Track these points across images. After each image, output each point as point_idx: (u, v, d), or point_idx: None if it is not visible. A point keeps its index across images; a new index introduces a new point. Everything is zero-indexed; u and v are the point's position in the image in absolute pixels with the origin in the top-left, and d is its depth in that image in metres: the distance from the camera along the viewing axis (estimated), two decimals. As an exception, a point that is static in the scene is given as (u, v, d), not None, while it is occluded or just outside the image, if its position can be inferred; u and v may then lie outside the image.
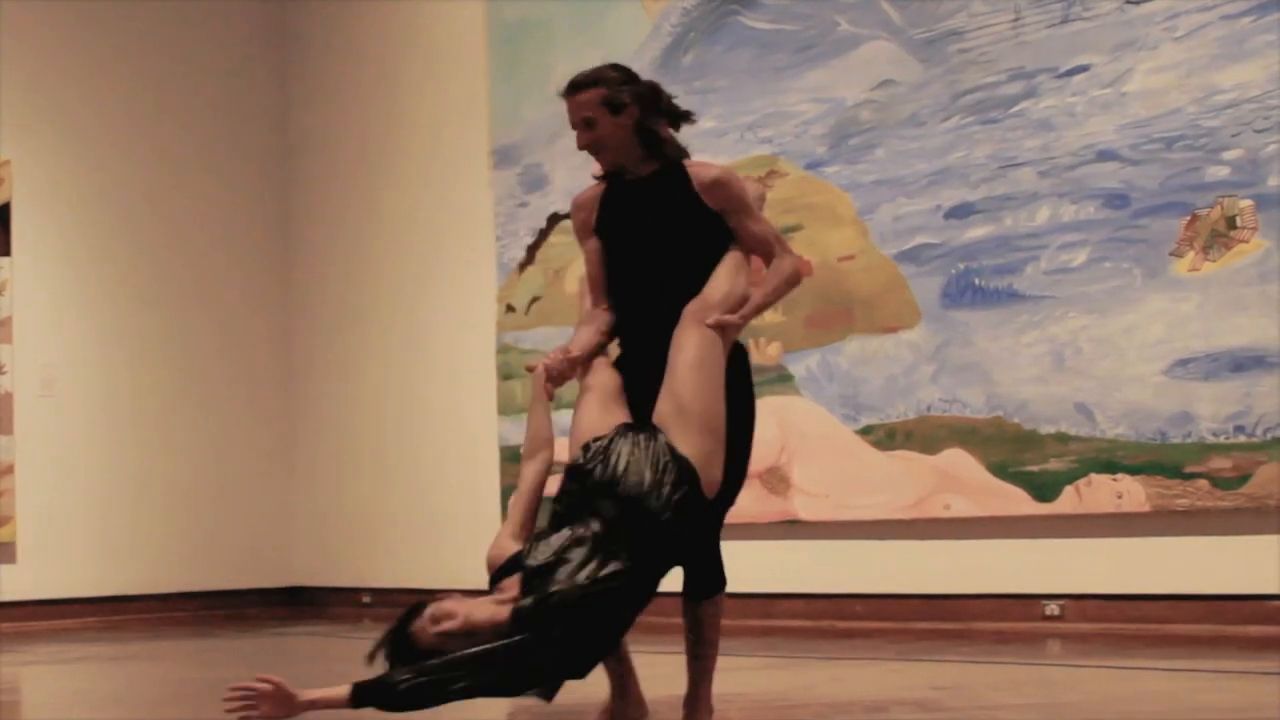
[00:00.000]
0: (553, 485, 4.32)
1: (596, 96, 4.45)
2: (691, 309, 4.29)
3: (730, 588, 4.79)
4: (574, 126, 4.50)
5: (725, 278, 4.36)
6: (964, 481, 7.64)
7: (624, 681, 4.55)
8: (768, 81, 8.40)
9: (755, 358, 8.34)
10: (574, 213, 4.68)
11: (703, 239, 4.45)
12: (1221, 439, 6.85)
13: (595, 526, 4.02)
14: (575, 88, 4.48)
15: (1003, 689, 5.49)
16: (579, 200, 4.68)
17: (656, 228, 4.51)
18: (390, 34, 10.66)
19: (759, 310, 4.38)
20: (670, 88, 8.80)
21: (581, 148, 4.52)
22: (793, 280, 4.48)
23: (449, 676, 3.91)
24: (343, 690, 4.01)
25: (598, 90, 4.46)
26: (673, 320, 4.34)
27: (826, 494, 8.05)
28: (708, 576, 4.48)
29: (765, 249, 4.48)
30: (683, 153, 4.57)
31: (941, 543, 7.74)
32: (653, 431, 4.13)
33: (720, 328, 4.26)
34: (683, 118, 4.59)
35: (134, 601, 10.36)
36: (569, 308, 9.29)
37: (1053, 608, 7.39)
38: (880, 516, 7.86)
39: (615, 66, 4.59)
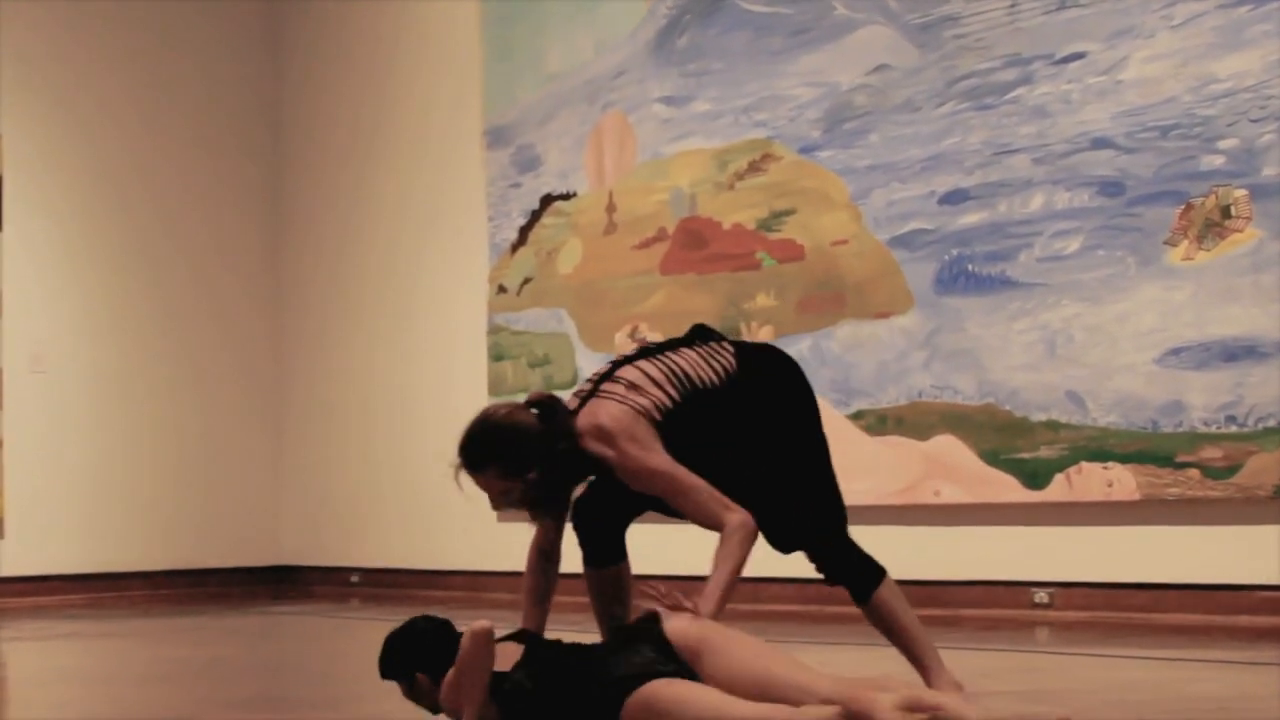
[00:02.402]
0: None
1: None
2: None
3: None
4: None
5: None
6: (954, 468, 7.63)
7: None
8: (762, 65, 8.38)
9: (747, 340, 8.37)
10: None
11: None
12: (1213, 428, 6.85)
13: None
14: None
15: (991, 676, 5.48)
16: None
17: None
18: (384, 12, 10.63)
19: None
20: (664, 70, 8.93)
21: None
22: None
23: None
24: None
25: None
26: None
27: (816, 479, 8.03)
28: (857, 579, 4.47)
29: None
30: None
31: (931, 529, 7.74)
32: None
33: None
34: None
35: (121, 579, 10.34)
36: (561, 289, 9.28)
37: (1042, 595, 7.39)
38: (870, 502, 7.84)
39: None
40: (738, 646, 3.81)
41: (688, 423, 4.26)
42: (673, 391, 4.28)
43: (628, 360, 4.40)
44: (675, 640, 3.83)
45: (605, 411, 4.22)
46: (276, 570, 10.98)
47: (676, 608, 3.94)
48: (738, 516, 4.13)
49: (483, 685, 3.91)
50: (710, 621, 3.90)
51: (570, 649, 4.00)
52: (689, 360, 4.36)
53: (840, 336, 8.03)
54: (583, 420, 4.24)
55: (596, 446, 4.20)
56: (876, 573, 4.48)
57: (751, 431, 4.36)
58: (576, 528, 4.51)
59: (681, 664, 3.80)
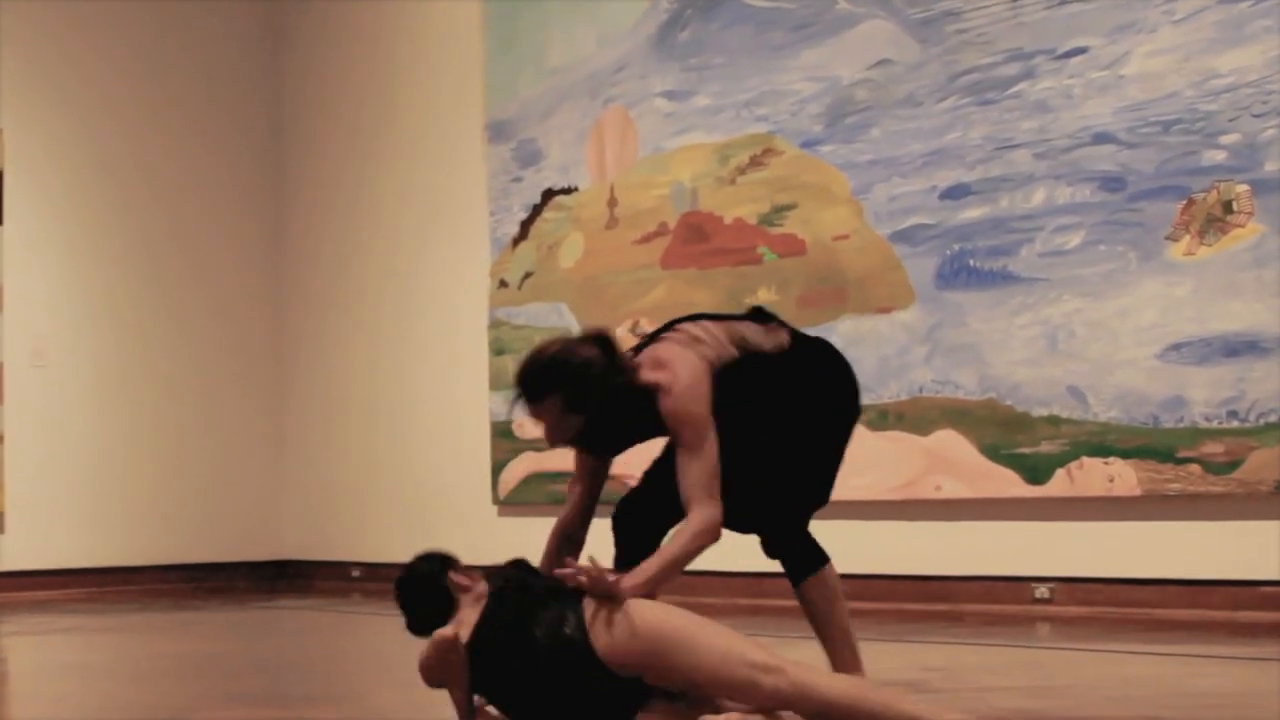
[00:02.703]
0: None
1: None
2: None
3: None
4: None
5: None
6: (955, 463, 7.63)
7: None
8: (764, 59, 8.38)
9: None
10: None
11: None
12: (1214, 424, 6.84)
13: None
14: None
15: (992, 671, 5.49)
16: None
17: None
18: (386, 7, 10.62)
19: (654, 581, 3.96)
20: (666, 65, 8.91)
21: None
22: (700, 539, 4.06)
23: None
24: None
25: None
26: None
27: (817, 474, 8.02)
28: (797, 559, 4.44)
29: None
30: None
31: (932, 524, 7.74)
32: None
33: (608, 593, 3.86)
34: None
35: (122, 573, 10.34)
36: (562, 283, 9.28)
37: (1043, 590, 7.39)
38: (871, 497, 7.85)
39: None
40: (686, 650, 3.68)
41: (736, 382, 4.24)
42: (733, 349, 4.27)
43: (686, 320, 4.38)
44: (613, 664, 3.74)
45: (666, 347, 4.22)
46: (278, 565, 10.98)
47: (597, 581, 3.81)
48: (711, 513, 4.08)
49: (458, 684, 3.94)
50: (643, 613, 3.77)
51: (525, 614, 3.92)
52: (749, 328, 4.37)
53: (841, 331, 8.01)
54: (643, 356, 4.22)
55: (653, 374, 4.14)
56: (818, 559, 4.45)
57: (784, 406, 4.35)
58: (616, 528, 4.49)
59: (622, 681, 3.75)
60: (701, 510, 4.08)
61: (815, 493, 4.48)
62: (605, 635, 3.76)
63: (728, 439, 4.20)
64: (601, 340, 4.18)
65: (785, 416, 4.38)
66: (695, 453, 4.11)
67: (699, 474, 4.11)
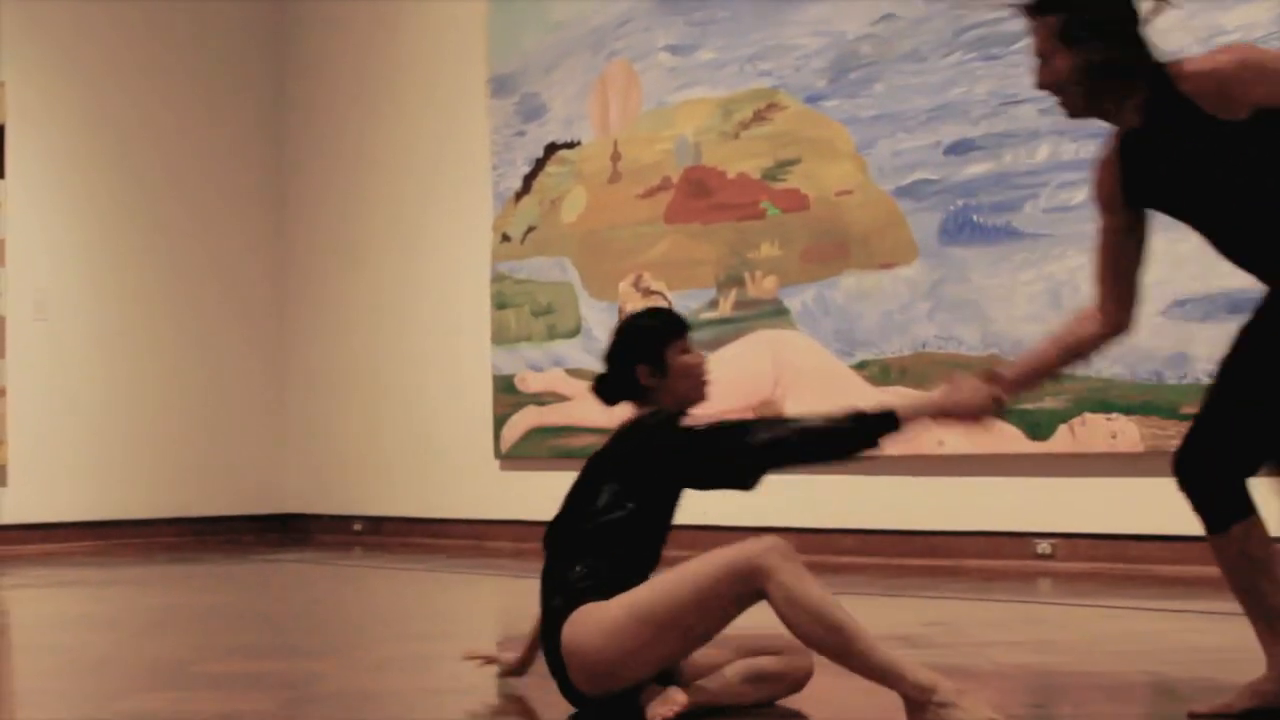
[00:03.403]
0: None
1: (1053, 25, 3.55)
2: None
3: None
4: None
5: None
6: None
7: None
8: (768, 14, 8.34)
9: (750, 291, 8.36)
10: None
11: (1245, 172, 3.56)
12: (1217, 380, 6.82)
13: None
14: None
15: (993, 626, 5.49)
16: (1096, 161, 3.79)
17: (1183, 184, 3.69)
18: (388, -40, 10.59)
19: None
20: (670, 19, 8.85)
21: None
22: None
23: None
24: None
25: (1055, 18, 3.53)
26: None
27: (820, 429, 8.02)
28: (1213, 503, 3.81)
29: None
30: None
31: (934, 479, 7.74)
32: None
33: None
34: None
35: (125, 526, 10.36)
36: (564, 237, 9.26)
37: (1044, 546, 7.39)
38: (873, 452, 7.84)
39: None
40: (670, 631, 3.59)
41: None
42: None
43: None
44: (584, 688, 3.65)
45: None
46: (280, 518, 11.00)
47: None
48: None
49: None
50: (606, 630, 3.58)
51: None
52: None
53: (844, 287, 8.01)
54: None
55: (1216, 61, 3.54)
56: (1234, 511, 3.77)
57: None
58: (1185, 484, 3.84)
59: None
60: None
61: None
62: (577, 671, 3.62)
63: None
64: None
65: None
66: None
67: None
